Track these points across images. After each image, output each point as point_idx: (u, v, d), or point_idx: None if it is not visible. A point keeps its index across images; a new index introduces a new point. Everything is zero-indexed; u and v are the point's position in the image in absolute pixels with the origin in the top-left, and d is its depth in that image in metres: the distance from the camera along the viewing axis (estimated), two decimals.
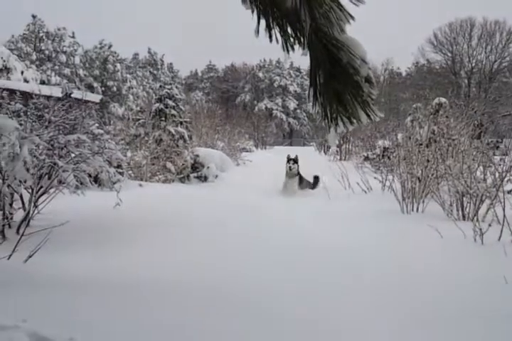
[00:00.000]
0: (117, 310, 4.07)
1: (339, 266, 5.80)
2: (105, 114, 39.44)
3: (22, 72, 29.25)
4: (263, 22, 1.59)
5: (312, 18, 1.51)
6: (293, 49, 1.64)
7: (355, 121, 1.65)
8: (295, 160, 13.26)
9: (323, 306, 4.43)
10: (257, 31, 1.61)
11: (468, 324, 4.09)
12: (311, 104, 1.68)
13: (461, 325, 4.08)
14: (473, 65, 47.73)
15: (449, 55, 48.28)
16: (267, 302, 4.43)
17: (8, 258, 5.05)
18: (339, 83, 1.60)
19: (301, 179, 13.34)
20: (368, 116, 1.66)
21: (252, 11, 1.59)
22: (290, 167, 13.13)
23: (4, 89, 7.85)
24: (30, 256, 5.10)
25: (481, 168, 8.53)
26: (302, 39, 1.59)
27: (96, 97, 25.93)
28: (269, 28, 1.59)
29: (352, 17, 1.56)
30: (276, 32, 1.60)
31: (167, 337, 3.66)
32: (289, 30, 1.60)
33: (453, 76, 48.03)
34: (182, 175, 14.22)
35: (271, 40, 1.60)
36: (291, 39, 1.60)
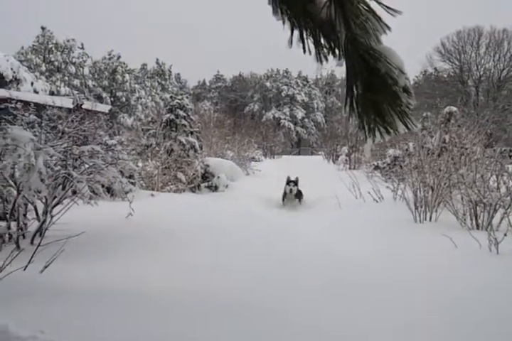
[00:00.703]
0: (132, 321, 4.07)
1: (353, 276, 5.79)
2: (114, 124, 39.59)
3: (32, 83, 29.47)
4: (296, 33, 1.60)
5: (347, 28, 1.51)
6: (326, 59, 1.64)
7: (392, 131, 1.64)
8: (295, 183, 13.25)
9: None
10: (291, 42, 1.61)
11: (489, 333, 4.06)
12: (346, 115, 1.68)
13: (481, 333, 4.05)
14: (482, 73, 47.61)
15: (457, 63, 48.19)
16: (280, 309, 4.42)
17: (25, 269, 5.06)
18: (377, 93, 1.59)
19: (300, 199, 13.36)
20: (406, 126, 1.65)
21: (284, 22, 1.60)
22: (291, 189, 13.14)
23: (18, 101, 7.89)
24: (46, 267, 5.11)
25: (494, 176, 8.49)
26: (337, 49, 1.59)
27: (105, 107, 26.03)
28: (302, 39, 1.60)
29: (388, 27, 1.56)
30: (309, 42, 1.60)
31: None
32: (323, 40, 1.60)
33: (461, 84, 47.89)
34: (193, 185, 14.24)
35: (304, 51, 1.60)
36: (325, 50, 1.61)
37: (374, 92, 1.59)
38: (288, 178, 13.41)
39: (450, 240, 6.72)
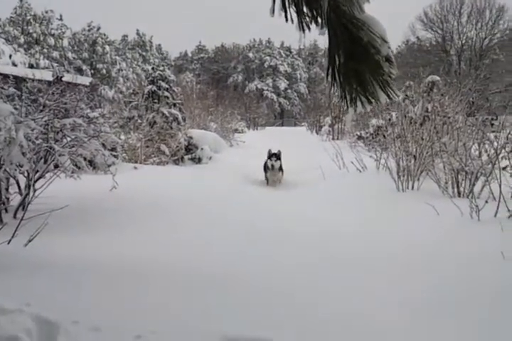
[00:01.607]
0: (115, 293, 4.09)
1: (332, 245, 5.87)
2: (95, 96, 39.14)
3: (10, 56, 28.98)
4: (278, 1, 1.57)
5: None
6: (309, 28, 1.62)
7: (373, 101, 1.64)
8: (278, 156, 11.87)
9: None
10: (273, 11, 1.59)
11: (467, 299, 4.14)
12: (327, 85, 1.67)
13: (460, 300, 4.12)
14: (464, 42, 47.51)
15: (440, 32, 48.02)
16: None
17: (8, 243, 5.05)
18: (359, 63, 1.58)
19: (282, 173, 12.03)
20: (388, 95, 1.65)
21: None
22: (273, 165, 11.79)
23: None
24: (30, 241, 5.10)
25: (476, 145, 8.55)
26: (319, 18, 1.57)
27: (86, 80, 25.75)
28: (284, 8, 1.57)
29: None
30: (291, 11, 1.58)
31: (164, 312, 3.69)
32: (305, 9, 1.58)
33: (443, 54, 47.79)
34: (176, 157, 14.20)
35: (286, 20, 1.58)
36: (307, 18, 1.59)
37: (356, 62, 1.59)
38: (269, 152, 12.03)
39: (432, 208, 6.80)
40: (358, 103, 1.65)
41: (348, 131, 24.18)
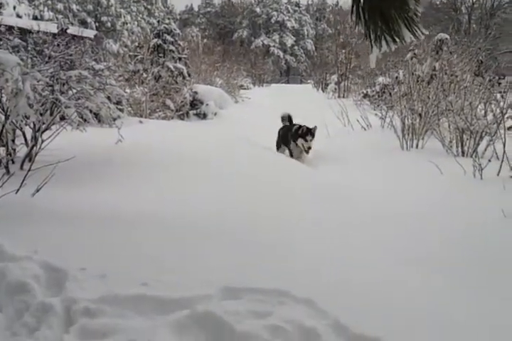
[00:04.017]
0: (121, 242, 4.17)
1: (340, 202, 5.93)
2: (100, 50, 38.74)
3: (14, 7, 28.58)
4: None
5: None
6: None
7: (398, 40, 1.62)
8: (312, 134, 8.81)
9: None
10: None
11: (465, 255, 4.23)
12: (352, 23, 1.65)
13: (458, 256, 4.22)
14: (474, 0, 46.50)
15: None
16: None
17: (16, 192, 5.12)
18: None
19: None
20: (413, 33, 1.63)
21: None
22: (303, 146, 8.80)
23: (1, 25, 7.67)
24: (37, 190, 5.17)
25: (482, 104, 8.52)
26: None
27: (90, 33, 25.42)
28: None
29: None
30: None
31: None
32: None
33: (453, 12, 46.84)
34: (181, 112, 14.18)
35: None
36: None
37: None
38: (301, 129, 8.75)
39: (436, 166, 6.83)
40: (383, 42, 1.63)
41: (354, 90, 24.00)
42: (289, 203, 5.78)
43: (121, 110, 10.60)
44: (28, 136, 6.84)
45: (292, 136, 8.94)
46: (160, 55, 14.31)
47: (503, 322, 3.22)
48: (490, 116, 8.16)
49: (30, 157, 6.58)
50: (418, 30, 1.65)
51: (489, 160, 6.76)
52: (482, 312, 3.33)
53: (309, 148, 8.57)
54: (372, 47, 1.67)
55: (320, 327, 2.86)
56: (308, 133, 8.64)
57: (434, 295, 3.56)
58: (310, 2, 79.91)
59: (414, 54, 14.60)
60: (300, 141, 8.67)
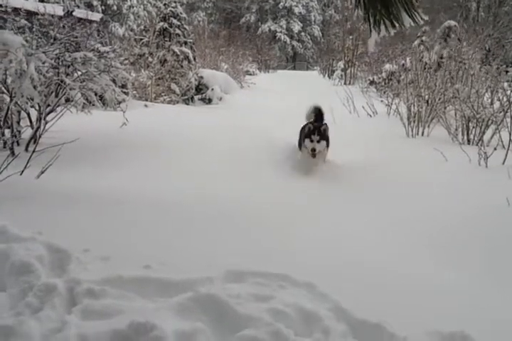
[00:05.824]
0: (124, 224, 4.20)
1: (342, 187, 5.95)
2: (106, 33, 38.56)
3: None
4: None
5: None
6: None
7: (397, 24, 1.61)
8: (322, 134, 6.88)
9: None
10: None
11: (470, 242, 4.25)
12: (352, 7, 1.63)
13: (463, 243, 4.24)
14: None
15: None
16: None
17: (21, 174, 5.13)
18: None
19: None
20: (413, 18, 1.61)
21: None
22: (314, 149, 6.76)
23: (8, 7, 7.63)
24: (42, 172, 5.19)
25: (489, 92, 8.47)
26: None
27: (96, 16, 25.24)
28: None
29: None
30: None
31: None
32: None
33: None
34: (186, 97, 14.15)
35: None
36: None
37: None
38: (304, 127, 7.28)
39: (441, 154, 6.80)
40: (382, 26, 1.62)
41: (361, 76, 23.88)
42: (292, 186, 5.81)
43: (126, 93, 10.57)
44: (33, 118, 6.84)
45: (300, 136, 7.40)
46: (166, 38, 14.24)
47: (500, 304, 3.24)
48: (496, 105, 8.11)
49: (34, 139, 6.58)
50: (417, 15, 1.63)
51: (495, 149, 6.72)
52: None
53: (313, 150, 6.74)
54: (371, 31, 1.65)
55: (321, 311, 2.88)
56: (315, 131, 6.86)
57: (436, 279, 3.58)
58: None
59: (422, 41, 14.50)
60: (306, 142, 6.90)
